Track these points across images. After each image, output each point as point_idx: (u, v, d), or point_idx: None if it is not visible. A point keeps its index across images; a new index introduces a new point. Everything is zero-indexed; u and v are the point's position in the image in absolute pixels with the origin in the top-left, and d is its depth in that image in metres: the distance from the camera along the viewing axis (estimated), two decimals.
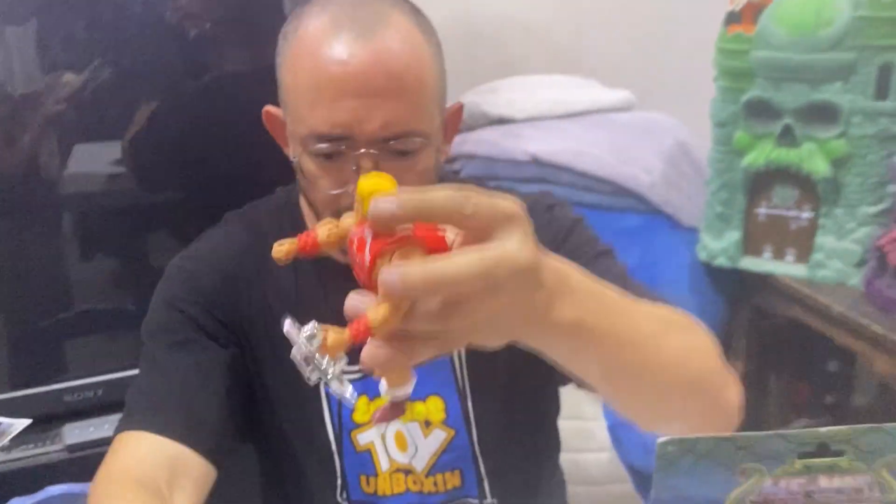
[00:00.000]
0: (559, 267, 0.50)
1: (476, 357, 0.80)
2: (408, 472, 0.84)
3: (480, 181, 0.88)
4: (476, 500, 0.86)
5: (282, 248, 0.48)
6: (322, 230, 0.48)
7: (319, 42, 0.70)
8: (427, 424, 0.83)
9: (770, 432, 0.48)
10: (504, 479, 0.86)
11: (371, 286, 0.44)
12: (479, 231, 0.43)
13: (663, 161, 1.66)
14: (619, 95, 1.81)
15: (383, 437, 0.83)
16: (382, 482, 0.84)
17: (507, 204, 0.44)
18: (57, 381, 1.35)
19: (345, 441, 0.83)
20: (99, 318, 1.47)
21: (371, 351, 0.43)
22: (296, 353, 0.44)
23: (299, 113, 0.73)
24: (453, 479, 0.85)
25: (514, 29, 1.99)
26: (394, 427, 0.83)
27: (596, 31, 2.05)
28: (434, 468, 0.84)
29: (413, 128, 0.71)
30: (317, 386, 0.81)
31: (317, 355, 0.43)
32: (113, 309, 1.49)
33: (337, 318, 0.86)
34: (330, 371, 0.44)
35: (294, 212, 0.85)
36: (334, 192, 0.72)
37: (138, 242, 1.49)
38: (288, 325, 0.44)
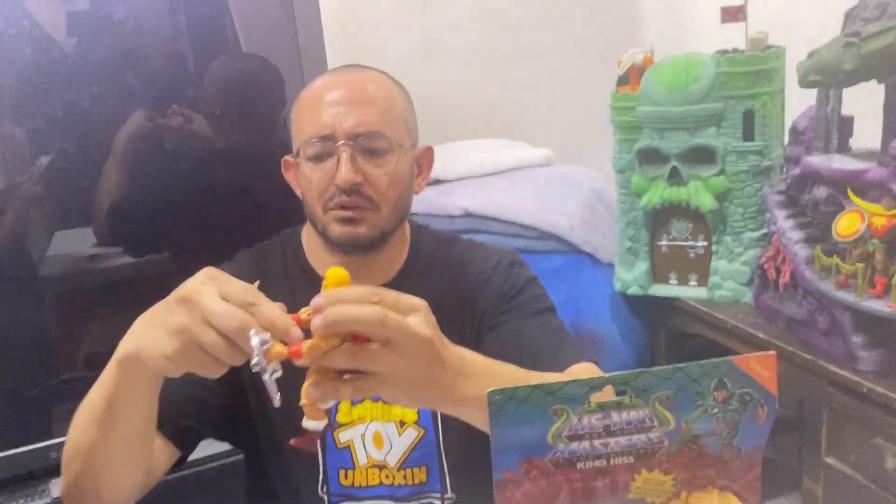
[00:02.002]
0: (461, 354, 0.70)
1: None
2: (382, 467, 0.99)
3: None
4: (438, 494, 0.99)
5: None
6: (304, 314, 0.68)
7: (317, 83, 0.98)
8: (401, 424, 0.98)
9: (567, 379, 0.66)
10: (463, 477, 1.00)
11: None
12: None
13: (581, 206, 1.87)
14: (541, 153, 2.04)
15: (363, 437, 0.99)
16: (359, 475, 0.99)
17: (414, 300, 0.65)
18: (44, 440, 1.50)
19: (328, 439, 0.98)
20: (81, 384, 1.62)
21: (309, 388, 0.64)
22: (253, 352, 0.63)
23: (301, 130, 0.95)
24: (420, 474, 0.98)
25: (450, 100, 2.22)
26: (373, 427, 0.98)
27: (521, 98, 2.30)
28: (405, 463, 0.98)
29: (380, 130, 0.93)
30: None
31: (263, 357, 0.63)
32: (93, 376, 1.65)
33: None
34: (269, 369, 0.64)
35: (297, 245, 1.04)
36: (323, 183, 0.93)
37: (115, 318, 1.66)
38: (252, 333, 0.64)
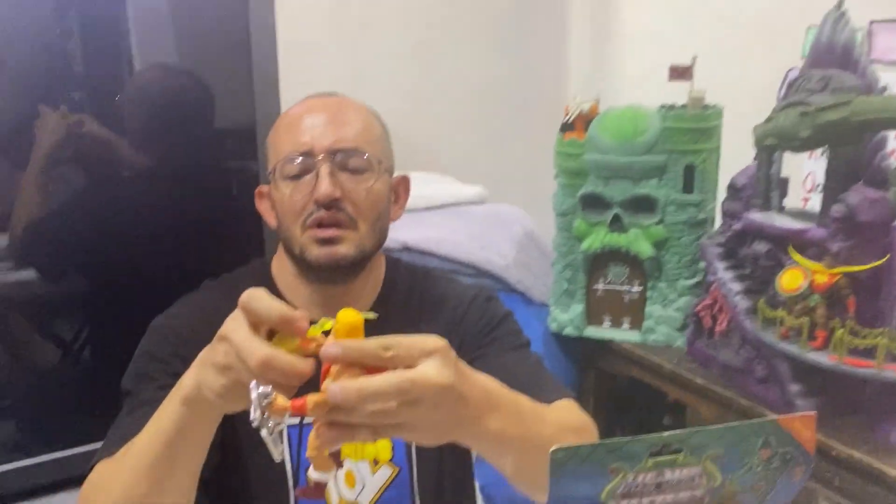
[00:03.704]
0: (485, 385, 0.68)
1: None
2: None
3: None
4: None
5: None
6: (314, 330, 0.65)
7: (294, 108, 0.99)
8: (375, 462, 0.97)
9: (629, 438, 0.66)
10: None
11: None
12: (406, 365, 0.60)
13: (514, 246, 1.89)
14: (474, 190, 2.05)
15: (335, 476, 0.95)
16: None
17: (429, 342, 0.61)
18: None
19: (301, 478, 0.94)
20: None
21: (320, 430, 0.61)
22: (252, 406, 0.59)
23: (277, 150, 0.95)
24: None
25: None
26: (345, 466, 0.94)
27: (450, 133, 2.31)
28: (378, 502, 0.96)
29: (359, 146, 0.93)
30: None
31: (266, 411, 0.59)
32: None
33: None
34: (270, 423, 0.60)
35: (268, 277, 1.01)
36: (301, 200, 0.92)
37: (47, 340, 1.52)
38: (253, 385, 0.60)
